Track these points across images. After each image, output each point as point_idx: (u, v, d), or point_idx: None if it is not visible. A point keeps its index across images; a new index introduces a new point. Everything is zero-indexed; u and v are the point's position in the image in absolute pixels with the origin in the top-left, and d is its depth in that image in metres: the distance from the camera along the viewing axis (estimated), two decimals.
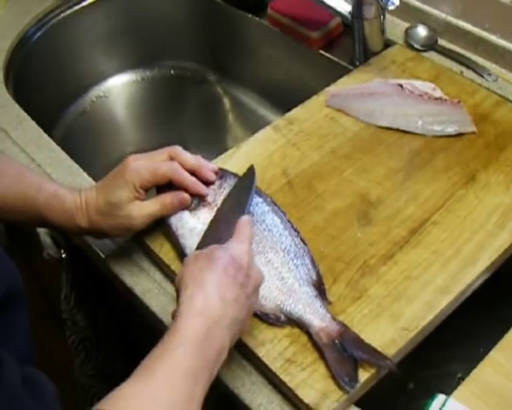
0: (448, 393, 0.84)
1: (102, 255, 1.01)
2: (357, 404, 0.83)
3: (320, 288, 0.89)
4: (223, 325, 0.75)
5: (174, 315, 0.76)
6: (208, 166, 0.99)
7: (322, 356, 0.83)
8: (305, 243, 0.94)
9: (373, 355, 0.82)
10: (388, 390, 0.94)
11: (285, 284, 0.89)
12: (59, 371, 1.36)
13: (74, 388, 1.31)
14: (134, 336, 1.27)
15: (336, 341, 0.83)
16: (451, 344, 1.00)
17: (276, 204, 0.98)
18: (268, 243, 0.92)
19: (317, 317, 0.86)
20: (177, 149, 0.96)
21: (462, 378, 0.89)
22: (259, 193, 0.98)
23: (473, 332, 1.01)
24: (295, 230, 0.95)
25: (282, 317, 0.87)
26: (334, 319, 0.85)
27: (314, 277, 0.90)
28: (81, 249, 1.08)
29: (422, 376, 1.00)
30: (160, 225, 0.97)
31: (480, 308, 0.99)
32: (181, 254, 0.94)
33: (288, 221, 0.96)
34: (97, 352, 1.25)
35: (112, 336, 1.24)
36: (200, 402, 0.71)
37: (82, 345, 1.25)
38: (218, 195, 0.97)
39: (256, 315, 0.87)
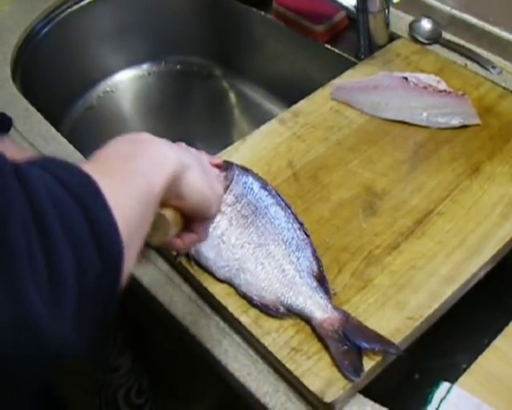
0: (452, 383, 0.85)
1: None
2: (362, 393, 0.83)
3: (321, 280, 0.90)
4: (158, 141, 0.70)
5: None
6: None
7: (326, 347, 0.84)
8: (308, 236, 0.94)
9: (377, 341, 0.83)
10: (394, 380, 0.95)
11: (286, 277, 0.89)
12: (67, 364, 1.37)
13: (83, 380, 1.33)
14: (141, 327, 1.28)
15: (339, 331, 0.84)
16: (457, 335, 1.01)
17: (281, 197, 0.98)
18: (270, 236, 0.93)
19: (318, 308, 0.86)
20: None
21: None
22: (265, 186, 0.99)
23: (478, 323, 1.02)
24: (299, 222, 0.96)
25: (282, 309, 0.87)
26: (335, 308, 0.86)
27: (315, 269, 0.90)
28: None
29: (428, 366, 1.00)
30: None
31: (485, 299, 1.00)
32: None
33: (292, 214, 0.96)
34: (105, 344, 1.26)
35: (119, 328, 1.25)
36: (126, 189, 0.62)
37: None
38: (223, 187, 0.97)
39: (256, 306, 0.88)
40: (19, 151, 0.98)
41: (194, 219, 0.75)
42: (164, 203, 0.69)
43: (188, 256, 0.94)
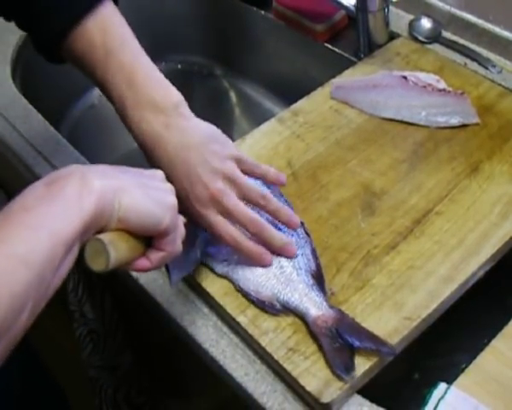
0: (452, 383, 0.84)
1: None
2: (361, 393, 0.83)
3: (319, 279, 0.90)
4: (80, 173, 0.66)
5: None
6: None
7: (319, 345, 0.84)
8: (308, 235, 0.95)
9: (371, 340, 0.83)
10: (393, 380, 0.95)
11: (283, 273, 0.90)
12: (68, 364, 1.38)
13: (83, 380, 1.33)
14: (140, 327, 1.28)
15: (333, 329, 0.83)
16: (456, 335, 1.00)
17: (282, 195, 0.99)
18: None
19: (313, 305, 0.86)
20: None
21: None
22: (268, 184, 0.99)
23: (478, 323, 1.01)
24: (300, 221, 0.96)
25: (278, 305, 0.88)
26: (330, 306, 0.86)
27: (313, 267, 0.91)
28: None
29: (427, 366, 1.00)
30: None
31: (485, 299, 1.00)
32: None
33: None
34: (104, 344, 1.26)
35: (118, 327, 1.25)
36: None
37: (89, 337, 1.26)
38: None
39: (252, 302, 0.88)
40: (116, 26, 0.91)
41: (154, 237, 0.74)
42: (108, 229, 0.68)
43: None
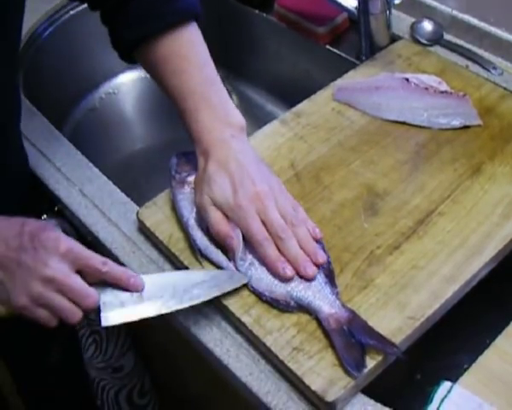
0: (454, 383, 0.85)
1: (111, 249, 1.03)
2: (363, 393, 0.84)
3: (330, 276, 0.90)
4: None
5: None
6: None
7: (330, 342, 0.84)
8: None
9: (380, 342, 0.83)
10: (395, 381, 0.95)
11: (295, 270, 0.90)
12: None
13: (85, 380, 1.33)
14: (143, 328, 1.28)
15: (344, 327, 0.84)
16: (458, 335, 1.01)
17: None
18: None
19: (326, 303, 0.87)
20: None
21: None
22: None
23: (480, 323, 1.02)
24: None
25: (292, 303, 0.88)
26: (343, 305, 0.87)
27: (325, 265, 0.91)
28: (91, 244, 1.09)
29: (429, 367, 1.00)
30: (169, 217, 1.00)
31: (487, 299, 1.00)
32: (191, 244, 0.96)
33: None
34: (107, 345, 1.26)
35: (121, 329, 1.25)
36: None
37: (92, 338, 1.26)
38: None
39: (267, 302, 0.89)
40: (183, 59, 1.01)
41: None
42: None
43: (193, 251, 0.95)
